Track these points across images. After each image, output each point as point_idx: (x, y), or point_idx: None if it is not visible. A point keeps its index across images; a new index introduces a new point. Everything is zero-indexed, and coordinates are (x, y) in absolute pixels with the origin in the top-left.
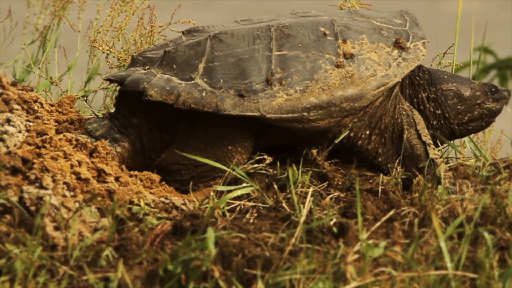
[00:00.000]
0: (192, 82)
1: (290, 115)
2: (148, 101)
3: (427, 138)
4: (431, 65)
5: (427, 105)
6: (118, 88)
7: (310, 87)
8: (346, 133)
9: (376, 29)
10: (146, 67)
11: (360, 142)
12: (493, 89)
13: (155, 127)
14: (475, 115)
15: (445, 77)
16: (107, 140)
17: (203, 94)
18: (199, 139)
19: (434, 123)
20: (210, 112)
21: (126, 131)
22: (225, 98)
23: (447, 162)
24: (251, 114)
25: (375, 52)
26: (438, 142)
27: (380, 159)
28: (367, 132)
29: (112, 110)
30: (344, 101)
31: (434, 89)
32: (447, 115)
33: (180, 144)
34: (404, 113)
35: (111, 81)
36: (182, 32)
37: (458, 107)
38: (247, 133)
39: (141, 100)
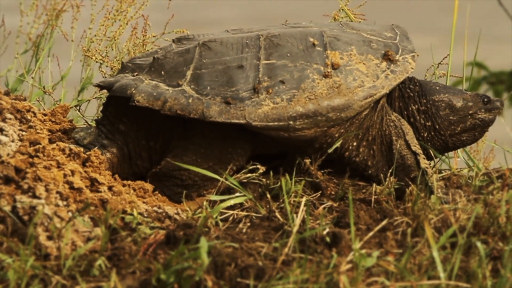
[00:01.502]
0: (180, 88)
1: (276, 123)
2: (136, 107)
3: (416, 148)
4: (425, 75)
5: (418, 117)
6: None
7: (296, 96)
8: (339, 142)
9: (366, 41)
10: (135, 74)
11: (347, 153)
12: (485, 100)
13: (142, 134)
14: (468, 125)
15: (437, 88)
16: (96, 147)
17: (190, 101)
18: (198, 144)
19: (425, 135)
20: (196, 118)
21: (113, 137)
22: (211, 105)
23: (439, 172)
24: (236, 121)
25: (364, 64)
26: (432, 153)
27: (370, 171)
28: (354, 144)
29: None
30: (331, 111)
31: (425, 100)
32: (437, 126)
33: (179, 150)
34: (391, 124)
35: (100, 87)
36: (172, 40)
37: (451, 118)
38: (244, 134)
39: (128, 106)
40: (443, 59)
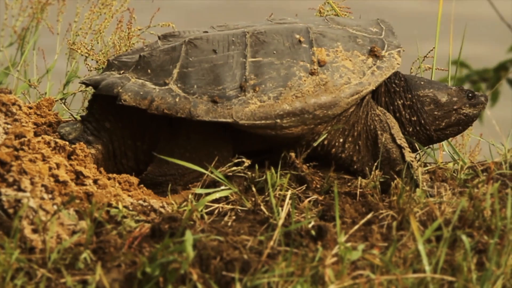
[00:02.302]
0: (166, 87)
1: (263, 121)
2: (122, 106)
3: (402, 141)
4: (411, 69)
5: (403, 112)
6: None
7: (283, 94)
8: (324, 136)
9: (352, 37)
10: (121, 71)
11: (334, 150)
12: (470, 95)
13: (128, 133)
14: (452, 120)
15: (422, 83)
16: (81, 142)
17: (177, 100)
18: (183, 147)
19: (410, 129)
20: (183, 117)
21: (99, 134)
22: (199, 104)
23: (425, 166)
24: (224, 120)
25: (350, 60)
26: (417, 146)
27: (355, 166)
28: (341, 140)
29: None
30: (318, 109)
31: (410, 95)
32: (423, 121)
33: (164, 154)
34: (376, 118)
35: (86, 84)
36: (158, 37)
37: (435, 113)
38: (229, 136)
39: (114, 104)
40: (428, 52)
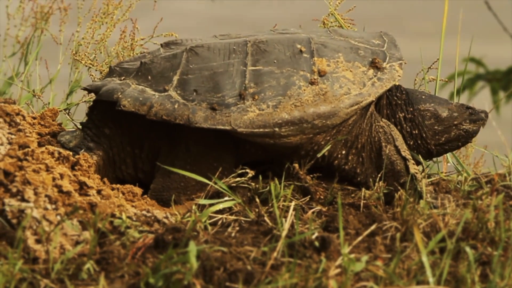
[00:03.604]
0: (166, 93)
1: (261, 130)
2: (122, 112)
3: (406, 153)
4: (415, 80)
5: (404, 125)
6: None
7: (282, 103)
8: (328, 148)
9: (353, 48)
10: (122, 78)
11: (336, 162)
12: (470, 111)
13: (127, 140)
14: (452, 136)
15: (423, 97)
16: (82, 150)
17: (176, 106)
18: (183, 160)
19: (411, 143)
20: (181, 124)
21: (99, 140)
22: (197, 111)
23: (428, 177)
24: (222, 127)
25: (350, 71)
26: (421, 160)
27: (359, 178)
28: (343, 152)
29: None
30: (316, 118)
31: (411, 109)
32: (424, 135)
33: (165, 170)
34: (381, 130)
35: (87, 90)
36: (161, 45)
37: (436, 127)
38: (229, 146)
39: (114, 110)
40: (433, 63)
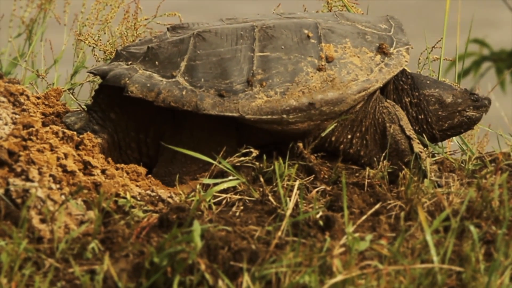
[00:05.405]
0: (173, 80)
1: (269, 116)
2: (127, 97)
3: (411, 132)
4: (419, 59)
5: (410, 110)
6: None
7: (290, 90)
8: (333, 126)
9: (360, 33)
10: (129, 62)
11: (342, 146)
12: (474, 97)
13: (132, 125)
14: (455, 122)
15: (428, 82)
16: (87, 132)
17: (183, 93)
18: (186, 144)
19: (417, 128)
20: (189, 111)
21: (104, 123)
22: (205, 98)
23: (433, 156)
24: (230, 114)
25: (358, 57)
26: (427, 142)
27: (363, 160)
28: (349, 137)
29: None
30: (324, 105)
31: (417, 93)
32: (429, 120)
33: (169, 154)
34: (385, 111)
35: (93, 74)
36: (167, 29)
37: (440, 113)
38: (232, 132)
39: (120, 95)
40: (437, 42)
